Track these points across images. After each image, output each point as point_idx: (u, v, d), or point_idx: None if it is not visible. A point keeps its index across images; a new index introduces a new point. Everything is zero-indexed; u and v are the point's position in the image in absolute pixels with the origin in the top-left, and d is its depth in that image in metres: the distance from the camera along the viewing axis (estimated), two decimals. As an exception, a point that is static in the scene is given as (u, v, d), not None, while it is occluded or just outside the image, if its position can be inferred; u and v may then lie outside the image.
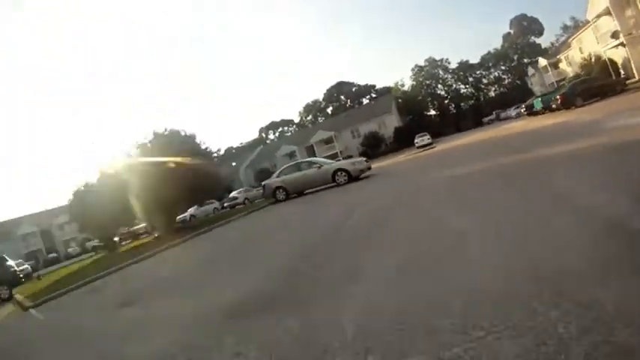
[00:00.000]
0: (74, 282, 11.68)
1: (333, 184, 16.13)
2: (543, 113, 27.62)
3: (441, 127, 67.94)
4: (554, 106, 25.72)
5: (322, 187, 16.80)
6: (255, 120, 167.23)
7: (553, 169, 5.61)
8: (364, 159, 18.60)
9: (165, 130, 22.62)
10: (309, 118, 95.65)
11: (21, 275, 18.65)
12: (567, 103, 23.54)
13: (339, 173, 15.53)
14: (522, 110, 35.52)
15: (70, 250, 53.20)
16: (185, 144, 21.98)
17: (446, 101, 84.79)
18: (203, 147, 23.51)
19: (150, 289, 6.91)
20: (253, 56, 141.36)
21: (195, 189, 20.65)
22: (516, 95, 64.47)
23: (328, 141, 61.60)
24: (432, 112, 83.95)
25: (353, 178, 15.43)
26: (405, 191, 8.66)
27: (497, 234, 3.38)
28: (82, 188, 22.60)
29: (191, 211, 27.87)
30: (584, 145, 6.89)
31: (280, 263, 5.09)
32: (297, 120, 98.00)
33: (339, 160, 28.90)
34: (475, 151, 14.56)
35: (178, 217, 24.98)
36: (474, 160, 10.61)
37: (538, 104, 29.30)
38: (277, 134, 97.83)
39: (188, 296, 5.10)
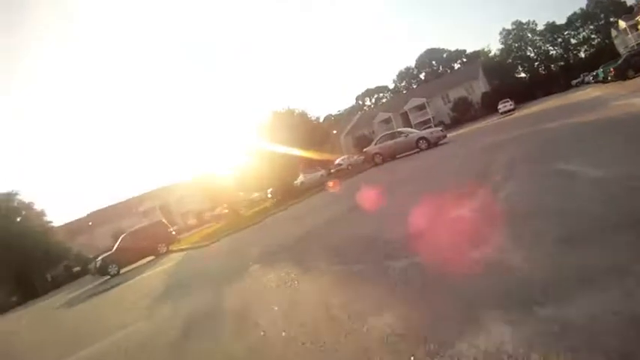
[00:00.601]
0: (225, 232, 16.89)
1: (416, 150, 20.39)
2: (604, 82, 28.69)
3: (531, 90, 67.03)
4: (609, 77, 27.05)
5: (409, 152, 21.01)
6: (351, 87, 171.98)
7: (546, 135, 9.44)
8: (440, 129, 22.93)
9: (284, 108, 28.25)
10: (402, 84, 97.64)
11: (174, 233, 24.29)
12: (620, 76, 24.87)
13: (420, 141, 20.01)
14: (591, 78, 36.40)
15: (189, 222, 56.91)
16: (300, 120, 27.66)
17: (535, 64, 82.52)
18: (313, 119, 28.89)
19: (294, 217, 12.23)
20: (347, 24, 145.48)
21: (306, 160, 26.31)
22: (606, 56, 61.32)
23: (421, 107, 63.70)
24: (522, 75, 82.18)
25: (432, 144, 19.75)
26: (459, 152, 13.00)
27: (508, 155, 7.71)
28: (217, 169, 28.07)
29: (301, 178, 31.37)
30: (580, 120, 9.95)
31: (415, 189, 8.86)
32: (391, 87, 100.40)
33: (429, 127, 32.46)
34: (530, 119, 17.20)
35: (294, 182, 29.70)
36: (522, 127, 13.74)
37: (600, 74, 30.37)
38: (373, 100, 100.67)
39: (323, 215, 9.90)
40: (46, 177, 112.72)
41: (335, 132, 68.93)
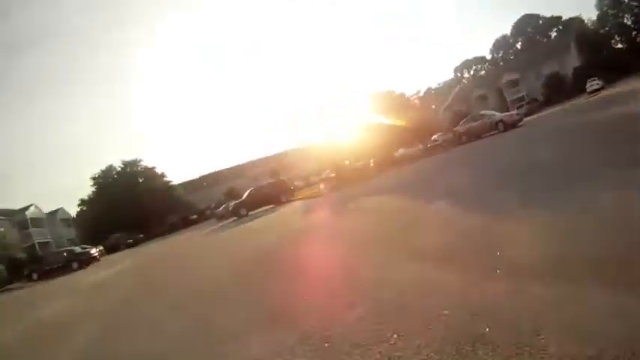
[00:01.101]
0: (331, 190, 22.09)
1: (495, 132, 23.70)
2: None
3: (628, 64, 60.34)
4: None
5: (491, 133, 24.24)
6: (450, 58, 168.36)
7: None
8: (516, 112, 26.58)
9: (383, 90, 33.53)
10: (499, 55, 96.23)
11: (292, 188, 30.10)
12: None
13: (499, 124, 23.51)
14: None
15: (295, 184, 60.69)
16: (398, 101, 32.81)
17: (633, 33, 71.37)
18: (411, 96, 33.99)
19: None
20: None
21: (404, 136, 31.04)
22: None
23: (514, 83, 63.20)
24: (620, 46, 72.83)
25: (508, 127, 23.06)
26: (531, 133, 16.62)
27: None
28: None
29: (401, 151, 34.09)
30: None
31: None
32: (488, 57, 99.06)
33: (522, 105, 35.27)
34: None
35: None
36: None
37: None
38: (471, 72, 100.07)
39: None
40: (170, 144, 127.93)
41: (433, 107, 71.56)
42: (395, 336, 2.57)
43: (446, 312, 2.67)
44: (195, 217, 54.29)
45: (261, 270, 6.67)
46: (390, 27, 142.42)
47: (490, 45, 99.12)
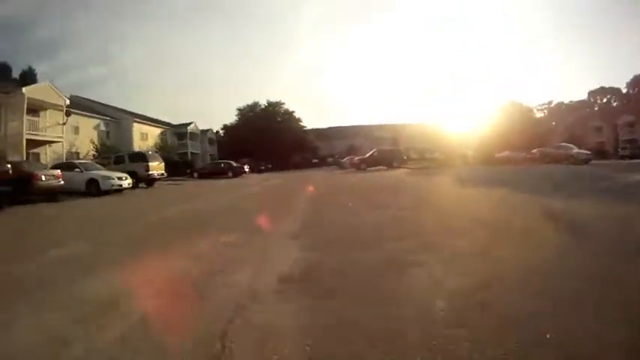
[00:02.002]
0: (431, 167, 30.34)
1: (568, 163, 29.00)
2: None
3: None
4: None
5: (564, 162, 29.48)
6: (587, 78, 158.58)
7: None
8: (588, 152, 32.56)
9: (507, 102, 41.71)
10: (634, 91, 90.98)
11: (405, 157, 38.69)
12: None
13: (571, 156, 29.44)
14: None
15: (410, 155, 69.18)
16: (516, 111, 40.91)
17: None
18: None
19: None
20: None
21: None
22: None
23: (631, 125, 61.90)
24: None
25: (578, 162, 28.02)
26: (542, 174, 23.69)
27: None
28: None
29: (506, 153, 38.09)
30: None
31: None
32: (624, 90, 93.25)
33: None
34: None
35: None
36: None
37: None
38: (604, 100, 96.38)
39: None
40: (310, 91, 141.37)
41: (554, 123, 72.41)
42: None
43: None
44: (316, 161, 64.04)
45: (385, 188, 15.54)
46: (539, 36, 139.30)
47: (628, 78, 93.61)
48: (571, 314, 2.81)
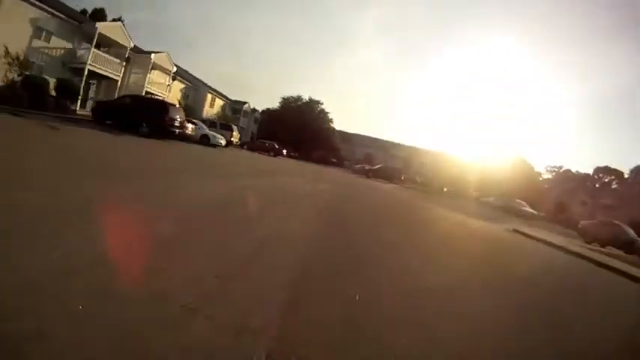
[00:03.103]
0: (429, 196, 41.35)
1: None
2: None
3: None
4: None
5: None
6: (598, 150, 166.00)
7: None
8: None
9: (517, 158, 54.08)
10: (634, 176, 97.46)
11: (403, 178, 49.98)
12: None
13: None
14: None
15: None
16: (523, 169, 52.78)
17: None
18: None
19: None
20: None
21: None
22: None
23: None
24: None
25: None
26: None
27: None
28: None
29: (482, 199, 44.55)
30: None
31: None
32: (626, 174, 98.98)
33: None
34: None
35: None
36: None
37: None
38: (606, 180, 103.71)
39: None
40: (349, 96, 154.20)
41: (547, 186, 77.69)
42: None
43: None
44: (335, 160, 71.65)
45: (372, 189, 26.75)
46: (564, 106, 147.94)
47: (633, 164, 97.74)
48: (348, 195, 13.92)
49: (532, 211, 40.37)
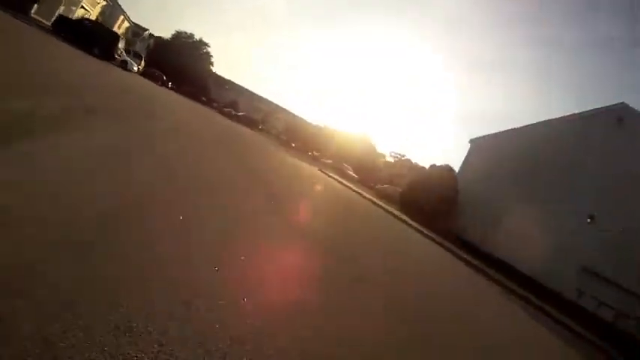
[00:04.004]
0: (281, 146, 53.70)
1: None
2: None
3: None
4: None
5: None
6: None
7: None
8: None
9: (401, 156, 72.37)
10: None
11: (260, 127, 62.03)
12: None
13: None
14: None
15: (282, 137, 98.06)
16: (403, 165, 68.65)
17: None
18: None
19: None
20: None
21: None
22: None
23: None
24: None
25: None
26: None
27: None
28: None
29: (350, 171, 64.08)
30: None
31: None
32: None
33: None
34: None
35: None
36: None
37: None
38: None
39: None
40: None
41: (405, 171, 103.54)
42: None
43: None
44: (204, 99, 76.96)
45: (227, 127, 38.10)
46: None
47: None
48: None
49: (352, 174, 57.55)
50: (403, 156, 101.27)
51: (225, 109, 64.12)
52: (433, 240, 23.51)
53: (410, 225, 25.21)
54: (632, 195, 27.05)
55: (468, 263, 21.43)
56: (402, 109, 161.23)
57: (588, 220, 29.00)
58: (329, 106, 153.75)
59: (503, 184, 33.93)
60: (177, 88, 66.50)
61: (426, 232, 25.19)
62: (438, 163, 79.53)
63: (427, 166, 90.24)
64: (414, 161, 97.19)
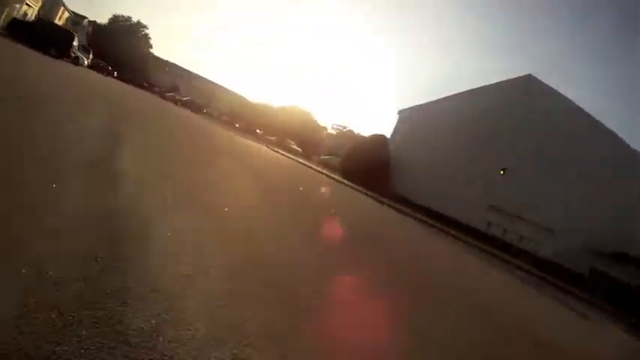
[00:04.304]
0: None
1: None
2: None
3: None
4: None
5: None
6: None
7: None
8: None
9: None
10: None
11: (205, 111, 64.92)
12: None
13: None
14: None
15: (223, 118, 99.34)
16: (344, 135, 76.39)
17: None
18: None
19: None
20: None
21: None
22: None
23: None
24: None
25: None
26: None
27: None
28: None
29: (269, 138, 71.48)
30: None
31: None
32: None
33: None
34: None
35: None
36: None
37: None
38: None
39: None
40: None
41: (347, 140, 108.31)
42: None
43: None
44: (146, 85, 75.94)
45: (168, 108, 41.38)
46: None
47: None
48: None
49: (297, 148, 62.12)
50: (345, 128, 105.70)
51: (168, 94, 64.88)
52: (366, 194, 28.43)
53: (342, 183, 30.26)
54: (538, 150, 33.28)
55: (396, 210, 26.51)
56: (344, 83, 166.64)
57: (501, 171, 35.07)
58: (270, 84, 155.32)
59: (429, 147, 39.38)
60: (120, 76, 65.54)
61: (361, 189, 30.07)
62: (379, 132, 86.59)
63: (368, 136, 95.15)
64: (356, 132, 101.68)
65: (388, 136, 46.43)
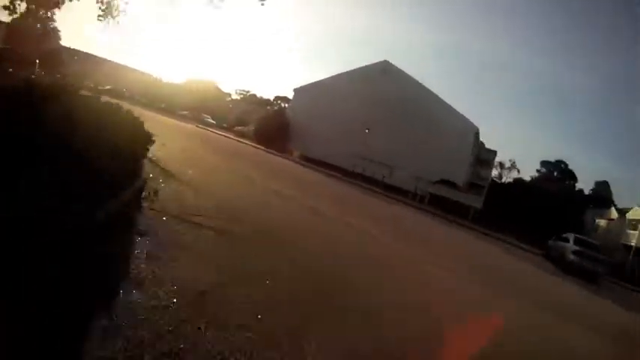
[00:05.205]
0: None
1: None
2: None
3: None
4: None
5: None
6: None
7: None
8: None
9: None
10: None
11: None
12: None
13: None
14: None
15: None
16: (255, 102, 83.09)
17: None
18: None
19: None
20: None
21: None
22: None
23: None
24: None
25: None
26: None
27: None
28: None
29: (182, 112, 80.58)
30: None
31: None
32: None
33: None
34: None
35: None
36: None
37: None
38: None
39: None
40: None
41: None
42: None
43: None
44: (59, 76, 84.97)
45: None
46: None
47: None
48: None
49: (213, 121, 71.36)
50: (248, 92, 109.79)
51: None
52: (273, 154, 41.52)
53: (255, 146, 43.22)
54: (391, 115, 48.48)
55: (292, 161, 39.95)
56: (241, 48, 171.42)
57: (366, 130, 49.98)
58: (172, 60, 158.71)
59: (317, 115, 53.31)
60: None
61: (271, 151, 43.02)
62: (280, 94, 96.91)
63: (272, 98, 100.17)
64: (258, 95, 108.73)
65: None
